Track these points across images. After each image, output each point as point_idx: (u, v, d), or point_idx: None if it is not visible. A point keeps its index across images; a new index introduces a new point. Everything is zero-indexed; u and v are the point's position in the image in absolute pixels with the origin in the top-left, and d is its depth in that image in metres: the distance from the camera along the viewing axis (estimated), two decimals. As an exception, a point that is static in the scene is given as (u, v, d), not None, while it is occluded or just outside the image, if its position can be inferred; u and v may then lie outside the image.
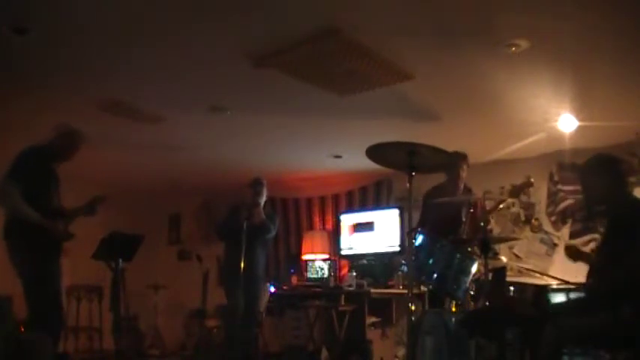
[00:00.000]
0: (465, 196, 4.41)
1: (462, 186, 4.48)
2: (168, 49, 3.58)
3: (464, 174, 4.46)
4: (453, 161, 4.24)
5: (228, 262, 5.09)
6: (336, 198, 7.37)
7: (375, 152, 3.16)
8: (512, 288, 4.37)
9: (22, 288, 3.64)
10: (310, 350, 6.14)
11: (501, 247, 5.51)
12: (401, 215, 6.46)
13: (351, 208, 7.14)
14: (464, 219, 4.27)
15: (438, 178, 4.53)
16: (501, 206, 4.10)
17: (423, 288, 4.21)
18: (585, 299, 3.00)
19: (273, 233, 5.31)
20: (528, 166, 5.80)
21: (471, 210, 4.25)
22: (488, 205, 4.20)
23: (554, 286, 4.50)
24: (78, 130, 4.01)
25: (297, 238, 7.53)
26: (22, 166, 3.70)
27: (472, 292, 3.76)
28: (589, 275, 2.89)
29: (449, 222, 4.23)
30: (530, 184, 3.88)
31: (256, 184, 5.13)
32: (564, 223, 5.68)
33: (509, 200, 5.62)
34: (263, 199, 5.13)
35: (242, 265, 4.80)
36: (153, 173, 7.17)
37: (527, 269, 4.71)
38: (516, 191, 4.15)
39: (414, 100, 4.41)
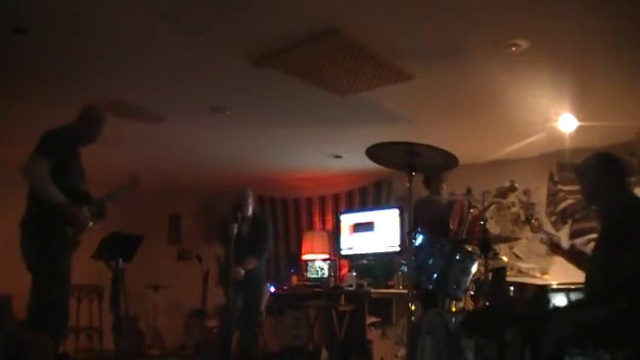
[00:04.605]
0: (451, 198, 4.44)
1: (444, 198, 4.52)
2: (168, 49, 3.58)
3: (444, 189, 4.51)
4: (434, 177, 4.34)
5: (228, 262, 5.10)
6: (336, 198, 7.37)
7: (375, 152, 3.16)
8: (512, 288, 4.38)
9: (32, 281, 3.53)
10: (310, 350, 6.14)
11: (501, 247, 5.52)
12: (401, 215, 6.46)
13: (351, 208, 7.14)
14: (448, 224, 4.29)
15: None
16: (488, 212, 4.13)
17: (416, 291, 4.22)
18: (583, 299, 3.01)
19: (268, 242, 5.32)
20: (528, 166, 5.80)
21: (471, 210, 4.26)
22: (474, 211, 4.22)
23: (554, 286, 4.52)
24: (100, 109, 3.90)
25: (297, 238, 7.53)
26: (50, 144, 3.57)
27: (472, 292, 3.76)
28: (589, 274, 2.89)
29: (434, 228, 4.23)
30: (514, 189, 3.92)
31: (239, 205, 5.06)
32: (564, 223, 5.68)
33: (512, 200, 5.65)
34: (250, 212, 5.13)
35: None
36: (153, 173, 7.16)
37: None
38: (500, 196, 4.19)
39: (413, 100, 4.41)
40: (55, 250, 3.58)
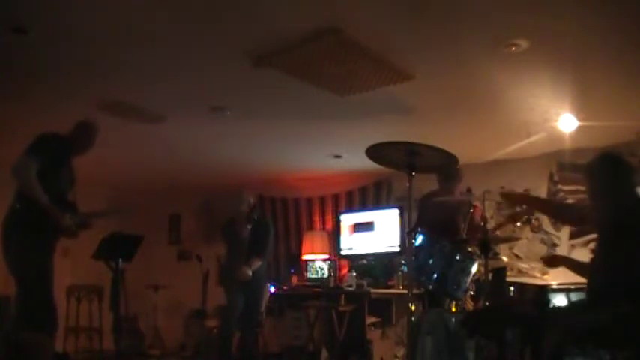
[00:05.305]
0: (461, 198, 4.43)
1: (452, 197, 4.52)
2: (168, 49, 3.57)
3: (457, 190, 4.52)
4: (449, 176, 4.35)
5: (229, 262, 5.10)
6: (336, 198, 7.37)
7: (375, 152, 3.16)
8: (512, 288, 4.38)
9: (15, 284, 3.54)
10: (310, 350, 6.15)
11: (501, 247, 5.52)
12: (401, 215, 6.46)
13: (351, 208, 7.15)
14: (459, 223, 4.28)
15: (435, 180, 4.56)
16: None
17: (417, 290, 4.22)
18: (585, 299, 3.01)
19: (270, 243, 5.32)
20: (528, 166, 5.81)
21: (471, 211, 4.26)
22: (482, 212, 4.22)
23: (554, 286, 4.52)
24: (94, 121, 3.95)
25: (297, 238, 7.54)
26: (41, 146, 3.61)
27: (472, 292, 3.76)
28: (590, 275, 2.89)
29: (443, 226, 4.23)
30: (530, 213, 3.93)
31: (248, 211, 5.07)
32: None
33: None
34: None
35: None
36: (153, 173, 7.17)
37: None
38: (515, 218, 4.22)
39: (413, 100, 4.41)
40: (38, 250, 3.58)
